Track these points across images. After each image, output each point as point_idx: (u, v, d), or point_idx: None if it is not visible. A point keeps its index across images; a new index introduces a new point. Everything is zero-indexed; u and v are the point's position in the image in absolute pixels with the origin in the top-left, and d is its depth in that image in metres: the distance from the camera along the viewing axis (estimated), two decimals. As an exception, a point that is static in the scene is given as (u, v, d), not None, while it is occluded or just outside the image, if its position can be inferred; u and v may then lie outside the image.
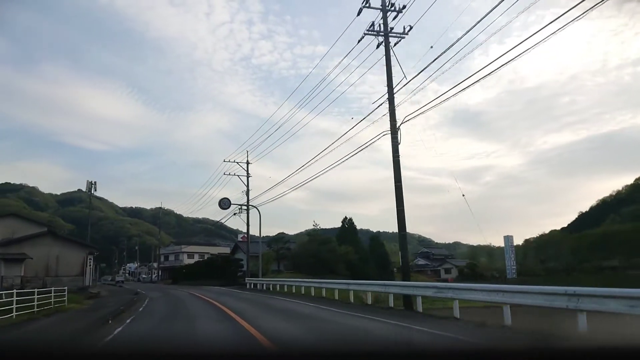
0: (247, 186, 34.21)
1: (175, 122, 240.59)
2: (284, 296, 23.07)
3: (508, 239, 53.49)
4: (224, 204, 33.26)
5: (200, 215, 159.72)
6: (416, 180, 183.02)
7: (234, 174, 33.92)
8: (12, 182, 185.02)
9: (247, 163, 34.81)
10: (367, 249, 53.40)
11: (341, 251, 45.41)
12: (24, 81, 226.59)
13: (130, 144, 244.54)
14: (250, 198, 34.31)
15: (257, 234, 35.59)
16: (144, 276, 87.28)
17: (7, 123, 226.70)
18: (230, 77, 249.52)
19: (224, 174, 34.31)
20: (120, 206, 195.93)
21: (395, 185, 16.60)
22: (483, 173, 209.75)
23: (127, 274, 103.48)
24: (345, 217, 53.99)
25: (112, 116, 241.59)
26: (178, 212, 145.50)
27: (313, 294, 24.34)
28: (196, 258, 67.66)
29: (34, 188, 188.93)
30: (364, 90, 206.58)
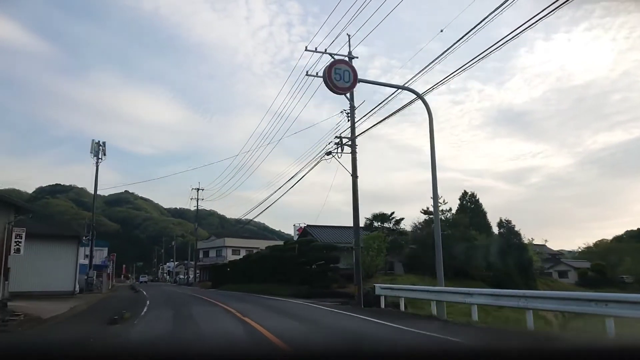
0: (351, 97, 16.72)
1: (217, 125, 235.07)
2: None
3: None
4: (341, 75, 14.12)
5: (242, 216, 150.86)
6: (459, 182, 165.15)
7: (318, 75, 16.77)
8: (62, 184, 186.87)
9: (350, 57, 17.43)
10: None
11: (480, 241, 27.06)
12: (76, 88, 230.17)
13: (175, 147, 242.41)
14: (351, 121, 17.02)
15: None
16: (181, 276, 72.56)
17: (60, 129, 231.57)
18: (270, 80, 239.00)
19: (307, 74, 17.18)
20: (165, 207, 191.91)
21: None
22: (529, 174, 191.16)
23: (165, 274, 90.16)
24: (465, 192, 35.50)
25: (157, 120, 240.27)
26: (221, 213, 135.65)
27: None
28: (242, 255, 51.69)
29: (82, 189, 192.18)
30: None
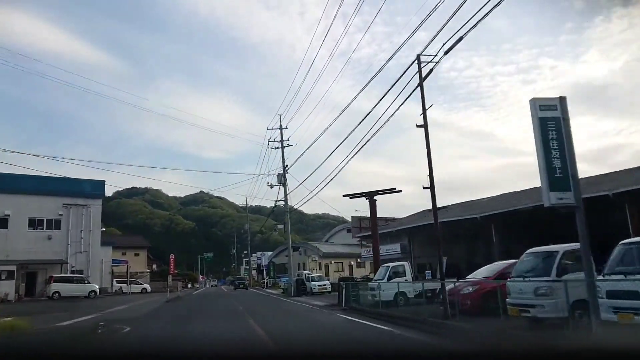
0: None
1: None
2: None
3: None
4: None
5: (320, 210, 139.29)
6: (534, 167, 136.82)
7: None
8: (138, 187, 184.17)
9: None
10: None
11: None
12: (148, 98, 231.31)
13: (242, 149, 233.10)
14: None
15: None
16: (308, 273, 34.04)
17: (138, 140, 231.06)
18: (329, 74, 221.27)
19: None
20: (241, 205, 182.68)
21: None
22: (613, 153, 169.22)
23: (251, 270, 65.64)
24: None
25: (223, 124, 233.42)
26: (299, 208, 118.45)
27: None
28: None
29: (157, 191, 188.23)
30: (471, 74, 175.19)
